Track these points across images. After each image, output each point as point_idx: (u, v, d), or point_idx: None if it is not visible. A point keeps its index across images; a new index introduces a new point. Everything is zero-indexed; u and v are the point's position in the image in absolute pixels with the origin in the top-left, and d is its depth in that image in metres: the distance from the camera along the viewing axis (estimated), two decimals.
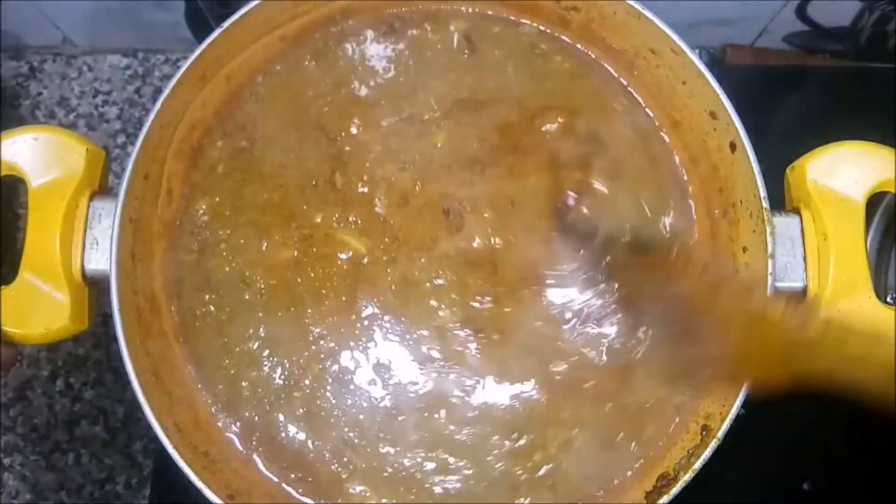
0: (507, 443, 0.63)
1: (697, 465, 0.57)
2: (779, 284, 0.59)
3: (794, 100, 0.94)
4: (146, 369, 0.60)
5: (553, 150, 0.67)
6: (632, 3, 0.64)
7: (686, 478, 0.57)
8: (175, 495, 0.83)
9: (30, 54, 1.01)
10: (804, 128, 0.89)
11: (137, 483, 0.91)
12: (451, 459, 0.63)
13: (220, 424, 0.64)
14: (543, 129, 0.68)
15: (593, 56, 0.70)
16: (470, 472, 0.63)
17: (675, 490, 0.58)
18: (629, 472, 0.63)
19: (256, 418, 0.64)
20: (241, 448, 0.64)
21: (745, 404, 0.58)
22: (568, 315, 0.64)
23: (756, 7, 0.92)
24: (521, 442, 0.63)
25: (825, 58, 0.99)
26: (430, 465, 0.63)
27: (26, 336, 0.60)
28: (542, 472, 0.63)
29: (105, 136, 0.98)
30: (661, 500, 0.58)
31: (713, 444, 0.57)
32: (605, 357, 0.63)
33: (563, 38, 0.71)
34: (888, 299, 0.85)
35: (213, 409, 0.64)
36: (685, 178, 0.68)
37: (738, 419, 0.58)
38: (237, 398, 0.64)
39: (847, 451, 0.84)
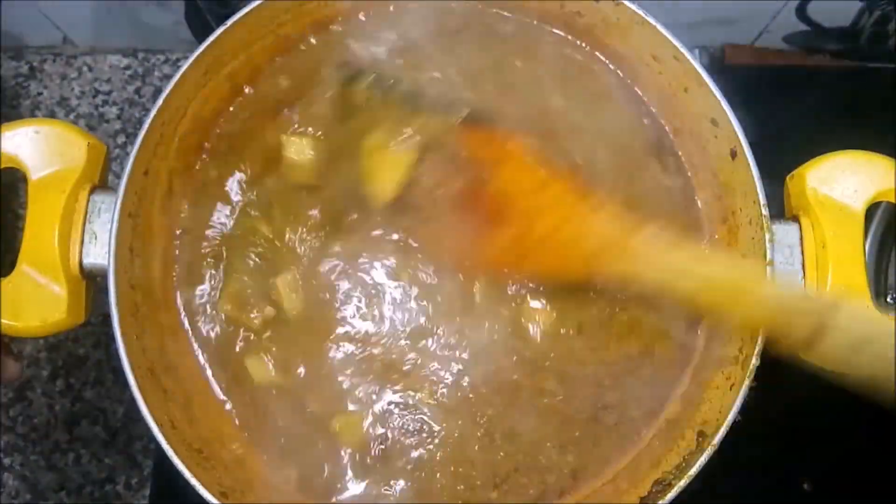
0: None
1: (693, 471, 0.58)
2: None
3: (794, 100, 0.94)
4: (142, 364, 0.61)
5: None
6: (635, 8, 0.64)
7: (681, 484, 0.58)
8: (175, 495, 0.83)
9: (30, 54, 1.01)
10: (804, 129, 0.89)
11: (137, 483, 0.91)
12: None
13: (214, 420, 0.65)
14: None
15: (602, 59, 0.70)
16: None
17: (671, 495, 0.58)
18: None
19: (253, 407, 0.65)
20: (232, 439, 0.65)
21: (744, 406, 0.58)
22: None
23: (756, 7, 0.92)
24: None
25: (825, 58, 0.99)
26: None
27: (22, 328, 0.61)
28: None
29: (105, 136, 0.99)
30: None
31: (709, 451, 0.57)
32: None
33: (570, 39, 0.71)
34: (888, 299, 0.85)
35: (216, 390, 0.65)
36: (691, 184, 0.68)
37: (737, 421, 0.58)
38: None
39: (847, 451, 0.84)
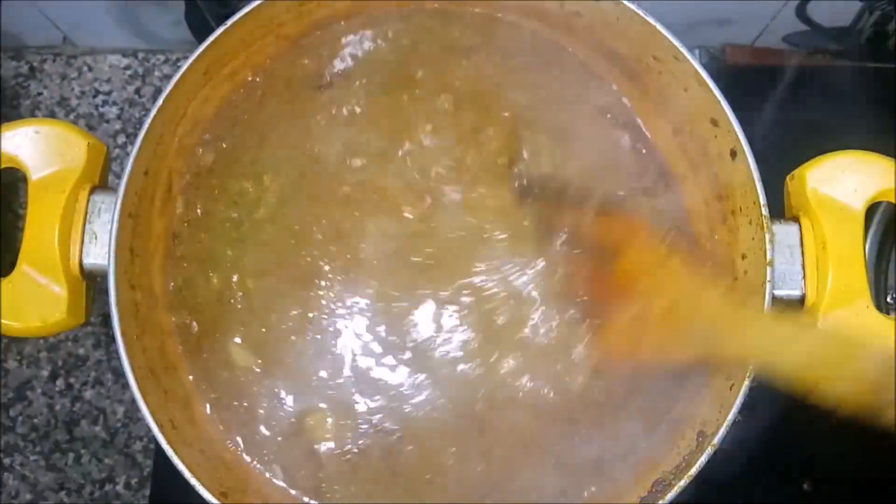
0: None
1: (693, 471, 0.57)
2: (777, 292, 0.59)
3: (794, 100, 0.94)
4: (142, 365, 0.60)
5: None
6: (634, 7, 0.64)
7: (681, 484, 0.57)
8: (175, 495, 0.83)
9: (30, 54, 1.01)
10: (803, 129, 0.89)
11: (137, 483, 0.91)
12: None
13: (213, 421, 0.65)
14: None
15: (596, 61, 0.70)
16: None
17: (671, 496, 0.58)
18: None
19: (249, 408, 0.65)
20: (229, 443, 0.64)
21: (743, 406, 0.58)
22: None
23: (756, 7, 0.92)
24: None
25: (825, 58, 0.99)
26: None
27: (23, 329, 0.60)
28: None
29: (105, 136, 0.99)
30: None
31: (709, 451, 0.57)
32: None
33: (567, 42, 0.71)
34: (888, 299, 0.85)
35: (207, 407, 0.65)
36: (679, 184, 0.69)
37: (737, 421, 0.58)
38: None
39: (847, 451, 0.84)
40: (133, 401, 0.58)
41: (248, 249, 0.66)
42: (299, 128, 0.69)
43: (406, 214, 0.67)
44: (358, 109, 0.69)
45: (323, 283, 0.66)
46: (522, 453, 0.64)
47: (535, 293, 0.65)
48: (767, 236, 0.59)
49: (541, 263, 0.65)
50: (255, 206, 0.67)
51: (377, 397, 0.64)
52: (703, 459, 0.57)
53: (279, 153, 0.68)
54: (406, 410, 0.64)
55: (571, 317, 0.64)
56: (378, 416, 0.64)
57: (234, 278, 0.66)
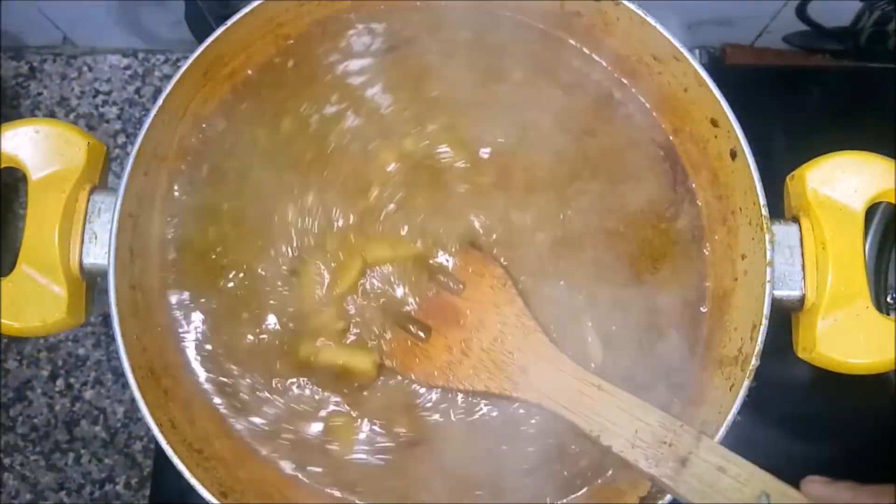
0: None
1: None
2: (777, 293, 0.59)
3: (794, 100, 0.94)
4: (142, 365, 0.60)
5: None
6: (634, 8, 0.64)
7: None
8: (175, 495, 0.83)
9: (30, 54, 1.01)
10: (803, 129, 0.89)
11: (137, 483, 0.91)
12: None
13: (214, 419, 0.65)
14: None
15: (598, 61, 0.70)
16: None
17: (670, 496, 0.58)
18: None
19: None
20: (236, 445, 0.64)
21: (744, 406, 0.58)
22: None
23: (756, 7, 0.92)
24: None
25: (825, 58, 0.99)
26: None
27: (23, 329, 0.60)
28: None
29: (105, 136, 0.99)
30: None
31: None
32: None
33: (570, 42, 0.71)
34: (888, 299, 0.85)
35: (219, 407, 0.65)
36: (692, 185, 0.68)
37: (737, 421, 0.58)
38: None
39: (847, 451, 0.84)
40: (133, 400, 0.58)
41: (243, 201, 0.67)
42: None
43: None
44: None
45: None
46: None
47: None
48: (767, 237, 0.59)
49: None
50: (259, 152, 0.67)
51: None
52: None
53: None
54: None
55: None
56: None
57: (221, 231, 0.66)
